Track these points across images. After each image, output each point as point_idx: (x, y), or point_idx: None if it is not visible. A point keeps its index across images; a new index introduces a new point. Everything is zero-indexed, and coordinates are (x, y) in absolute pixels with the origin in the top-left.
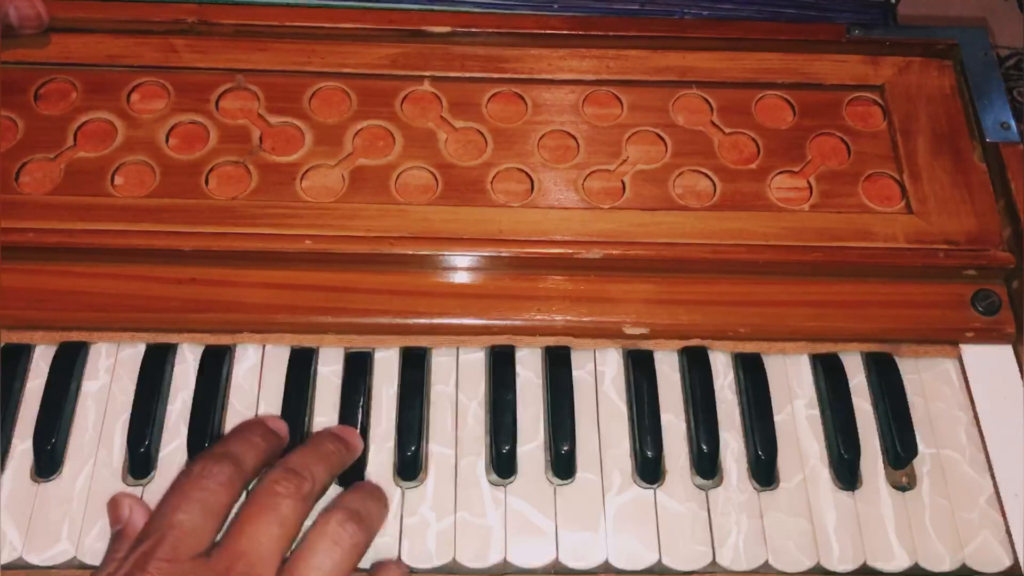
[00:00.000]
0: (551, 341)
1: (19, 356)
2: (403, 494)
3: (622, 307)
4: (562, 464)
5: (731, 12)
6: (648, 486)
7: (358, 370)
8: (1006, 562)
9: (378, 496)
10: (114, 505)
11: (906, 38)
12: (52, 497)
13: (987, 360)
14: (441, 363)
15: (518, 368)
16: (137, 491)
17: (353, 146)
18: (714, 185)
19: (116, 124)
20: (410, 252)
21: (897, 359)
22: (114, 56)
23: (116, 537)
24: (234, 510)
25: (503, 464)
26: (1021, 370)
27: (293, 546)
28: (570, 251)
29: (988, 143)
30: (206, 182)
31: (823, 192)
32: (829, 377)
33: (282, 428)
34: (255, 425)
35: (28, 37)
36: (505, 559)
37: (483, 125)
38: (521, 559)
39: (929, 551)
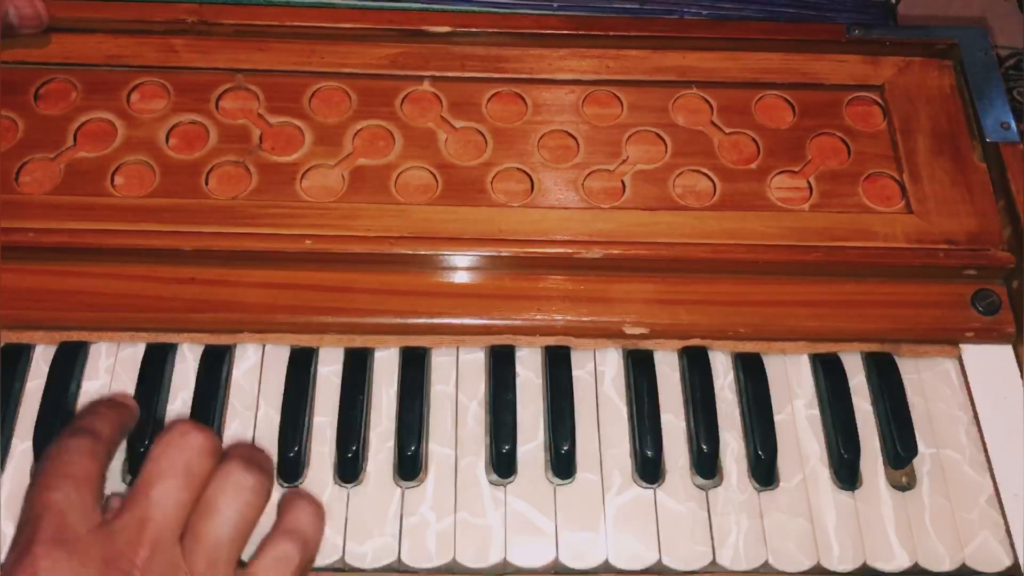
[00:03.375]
0: (551, 341)
1: (19, 356)
2: (403, 494)
3: (622, 307)
4: (562, 464)
5: (731, 12)
6: (648, 486)
7: (358, 370)
8: (1006, 562)
9: (262, 449)
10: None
11: (906, 38)
12: None
13: (987, 360)
14: (441, 363)
15: (518, 368)
16: None
17: (353, 146)
18: (714, 185)
19: (116, 124)
20: (410, 252)
21: (897, 359)
22: (114, 56)
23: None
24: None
25: (503, 464)
26: (1021, 370)
27: None
28: (570, 251)
29: (988, 143)
30: (206, 182)
31: (823, 192)
32: (829, 377)
33: (127, 399)
34: (98, 400)
35: (28, 37)
36: (505, 559)
37: (483, 125)
38: (521, 559)
39: (929, 551)
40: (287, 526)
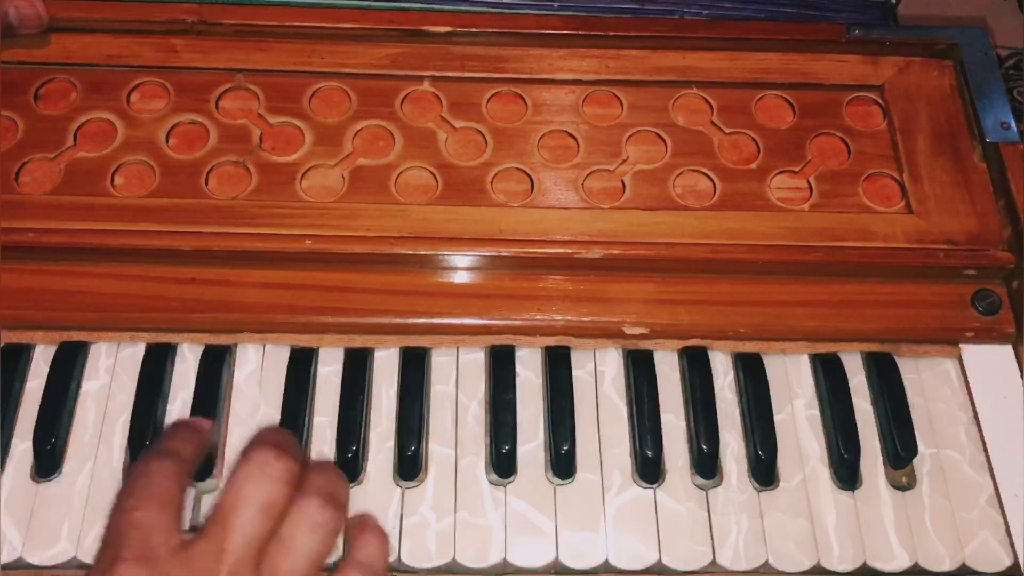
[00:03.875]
0: (551, 341)
1: (19, 356)
2: (403, 494)
3: (622, 307)
4: (562, 464)
5: (731, 12)
6: (648, 486)
7: (358, 370)
8: (1006, 562)
9: (340, 475)
10: None
11: (906, 38)
12: (52, 497)
13: (987, 360)
14: (441, 363)
15: (518, 368)
16: None
17: (353, 146)
18: (714, 185)
19: (116, 124)
20: (410, 252)
21: (897, 359)
22: (114, 56)
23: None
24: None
25: (503, 464)
26: (1021, 370)
27: None
28: (570, 251)
29: (988, 143)
30: (206, 182)
31: (823, 192)
32: (829, 377)
33: (204, 424)
34: (180, 422)
35: (28, 37)
36: (505, 559)
37: (483, 125)
38: (521, 559)
39: (929, 551)
40: (358, 558)
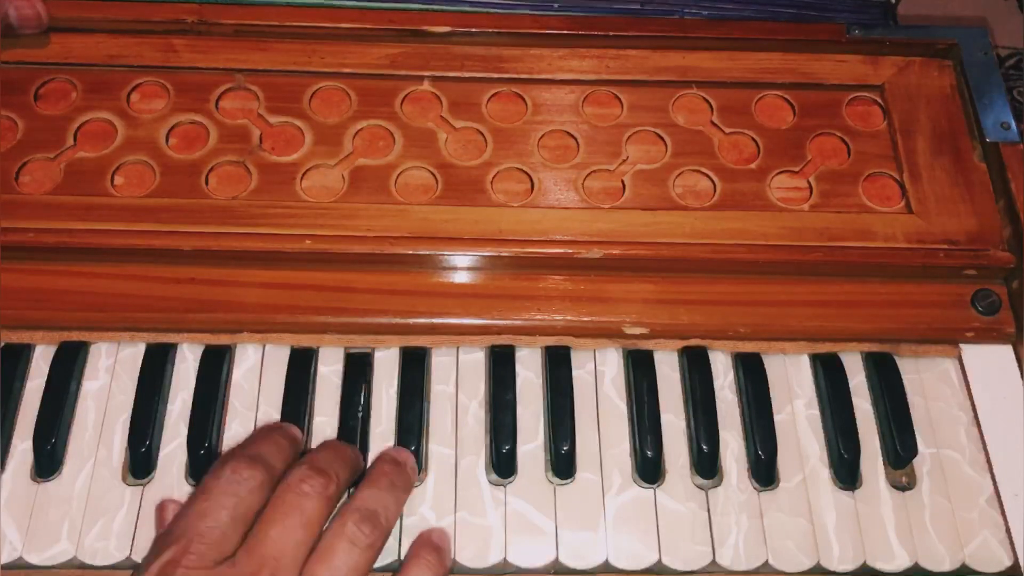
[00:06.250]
0: (551, 341)
1: (19, 356)
2: None
3: (622, 307)
4: (562, 464)
5: (731, 12)
6: (648, 486)
7: (358, 370)
8: (1006, 562)
9: (394, 487)
10: (160, 510)
11: (906, 38)
12: (52, 497)
13: (987, 360)
14: (441, 363)
15: (518, 368)
16: (137, 491)
17: (353, 146)
18: (714, 185)
19: (116, 124)
20: (410, 252)
21: (897, 359)
22: (114, 56)
23: (157, 541)
24: None
25: (503, 464)
26: (1021, 370)
27: None
28: (570, 251)
29: (988, 143)
30: (206, 182)
31: (823, 192)
32: (829, 377)
33: (298, 434)
34: (277, 427)
35: (28, 37)
36: (505, 559)
37: (483, 125)
38: (521, 559)
39: (929, 551)
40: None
